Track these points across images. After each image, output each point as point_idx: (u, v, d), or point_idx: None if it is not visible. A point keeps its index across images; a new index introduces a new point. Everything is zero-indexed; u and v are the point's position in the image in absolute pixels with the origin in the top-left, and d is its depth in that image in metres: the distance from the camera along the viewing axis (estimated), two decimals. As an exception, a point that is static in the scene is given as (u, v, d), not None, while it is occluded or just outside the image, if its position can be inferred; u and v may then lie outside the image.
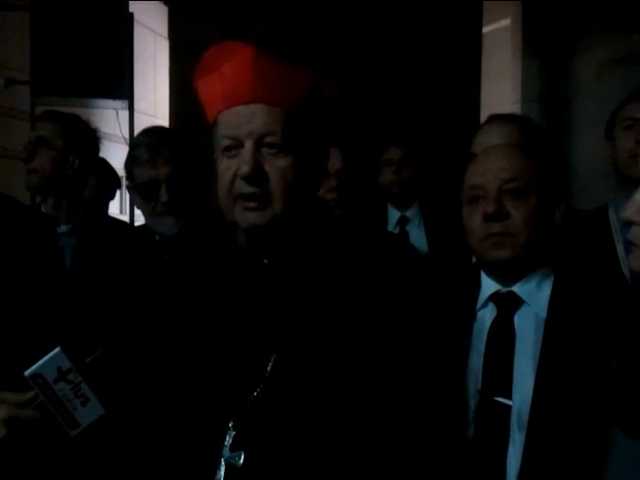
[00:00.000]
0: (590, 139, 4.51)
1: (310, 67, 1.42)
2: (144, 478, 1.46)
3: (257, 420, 1.36)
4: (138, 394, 1.49)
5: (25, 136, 2.87)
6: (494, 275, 1.69)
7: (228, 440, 1.37)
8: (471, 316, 1.70)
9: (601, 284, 1.69)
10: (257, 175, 1.36)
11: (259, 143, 1.37)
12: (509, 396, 1.58)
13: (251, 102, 1.37)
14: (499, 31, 5.57)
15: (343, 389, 1.35)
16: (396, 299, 1.43)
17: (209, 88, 1.43)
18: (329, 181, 2.66)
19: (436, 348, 1.62)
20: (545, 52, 5.28)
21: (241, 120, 1.37)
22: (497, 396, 1.59)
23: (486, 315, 1.68)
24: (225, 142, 1.40)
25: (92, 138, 2.86)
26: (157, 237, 2.47)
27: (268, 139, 1.37)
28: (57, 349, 1.35)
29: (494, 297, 1.68)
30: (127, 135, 4.29)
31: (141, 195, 2.41)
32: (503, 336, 1.63)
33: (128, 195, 3.91)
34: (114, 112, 4.34)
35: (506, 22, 5.53)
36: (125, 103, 4.27)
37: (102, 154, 3.12)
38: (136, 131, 3.50)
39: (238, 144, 1.38)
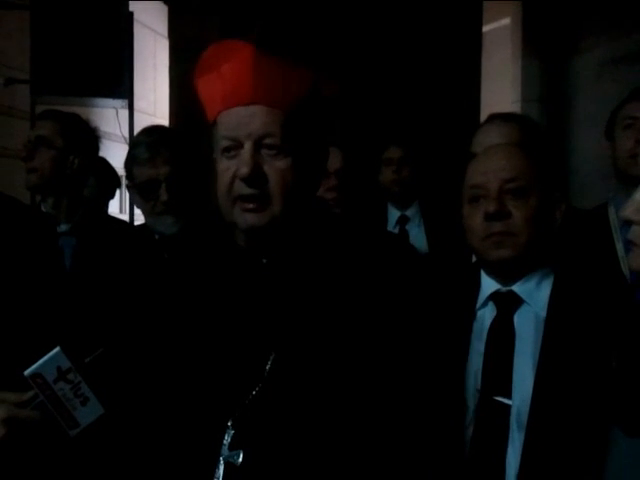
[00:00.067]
0: (590, 138, 4.51)
1: (310, 67, 1.41)
2: (143, 477, 1.46)
3: (256, 419, 1.36)
4: (137, 394, 1.49)
5: (25, 135, 2.87)
6: (494, 274, 1.69)
7: (227, 439, 1.37)
8: (471, 315, 1.70)
9: (601, 283, 1.69)
10: (256, 176, 1.36)
11: (258, 144, 1.37)
12: (509, 396, 1.58)
13: (250, 103, 1.36)
14: (499, 30, 5.57)
15: (342, 388, 1.35)
16: (395, 298, 1.43)
17: (208, 87, 1.43)
18: (329, 180, 2.66)
19: (436, 347, 1.62)
20: (545, 51, 5.28)
21: (240, 121, 1.37)
22: (497, 395, 1.59)
23: (486, 314, 1.68)
24: (224, 143, 1.40)
25: (92, 137, 2.86)
26: (157, 236, 2.47)
27: (267, 140, 1.37)
28: (57, 349, 1.35)
29: (494, 296, 1.68)
30: (127, 134, 4.29)
31: (141, 194, 2.41)
32: (503, 335, 1.63)
33: (128, 194, 3.92)
34: (114, 111, 4.34)
35: (506, 21, 5.53)
36: (125, 102, 4.27)
37: (102, 153, 3.12)
38: (136, 130, 3.50)
39: (237, 145, 1.38)
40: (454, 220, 1.82)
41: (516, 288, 1.66)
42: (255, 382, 1.38)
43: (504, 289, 1.67)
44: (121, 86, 4.19)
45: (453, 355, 1.65)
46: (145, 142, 2.40)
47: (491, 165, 1.67)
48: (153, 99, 5.93)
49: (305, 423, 1.34)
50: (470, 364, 1.65)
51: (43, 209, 2.75)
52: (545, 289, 1.65)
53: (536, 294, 1.65)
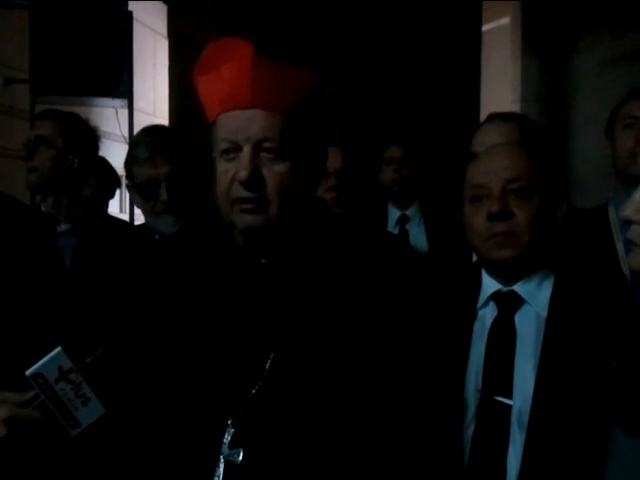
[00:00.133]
0: (590, 138, 4.51)
1: (309, 67, 1.42)
2: (144, 476, 1.46)
3: (256, 417, 1.37)
4: (138, 393, 1.49)
5: (25, 135, 2.87)
6: (495, 274, 1.69)
7: (227, 437, 1.38)
8: (472, 315, 1.69)
9: (601, 283, 1.69)
10: (255, 180, 1.37)
11: (257, 148, 1.38)
12: (509, 396, 1.58)
13: (249, 107, 1.37)
14: (498, 30, 5.56)
15: (341, 387, 1.35)
16: (393, 298, 1.44)
17: (208, 87, 1.43)
18: (328, 180, 2.65)
19: (436, 347, 1.62)
20: (544, 51, 5.27)
21: (239, 125, 1.38)
22: (498, 396, 1.59)
23: (487, 314, 1.68)
24: (223, 145, 1.41)
25: (92, 137, 2.86)
26: (157, 236, 2.47)
27: (266, 144, 1.37)
28: (58, 349, 1.35)
29: (495, 296, 1.68)
30: (127, 134, 4.29)
31: (141, 194, 2.41)
32: (504, 335, 1.63)
33: (128, 194, 3.92)
34: (114, 111, 4.34)
35: (505, 21, 5.53)
36: (125, 102, 4.27)
37: (102, 153, 3.12)
38: (136, 130, 3.50)
39: (236, 148, 1.39)
40: (454, 220, 1.82)
41: (517, 288, 1.66)
42: (255, 381, 1.39)
43: (505, 289, 1.67)
44: (121, 86, 4.19)
45: (454, 355, 1.65)
46: (145, 142, 2.40)
47: (494, 165, 1.67)
48: (153, 98, 5.93)
49: (305, 421, 1.34)
50: (471, 364, 1.64)
51: (43, 209, 2.75)
52: (546, 289, 1.65)
53: (537, 294, 1.65)
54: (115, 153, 3.85)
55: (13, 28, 4.36)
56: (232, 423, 1.38)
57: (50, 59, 4.06)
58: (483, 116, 2.69)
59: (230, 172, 1.40)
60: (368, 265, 1.45)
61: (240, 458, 1.36)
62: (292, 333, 1.40)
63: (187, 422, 1.42)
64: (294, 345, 1.39)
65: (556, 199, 1.68)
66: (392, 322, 1.42)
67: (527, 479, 1.51)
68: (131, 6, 4.37)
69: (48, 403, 1.36)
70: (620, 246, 2.43)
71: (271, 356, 1.40)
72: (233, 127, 1.38)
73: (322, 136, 1.50)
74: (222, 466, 1.37)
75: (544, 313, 1.62)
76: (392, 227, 3.81)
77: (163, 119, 5.88)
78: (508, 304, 1.66)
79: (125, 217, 4.42)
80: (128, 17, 4.25)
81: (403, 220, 3.84)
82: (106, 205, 4.04)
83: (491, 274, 1.70)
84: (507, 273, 1.66)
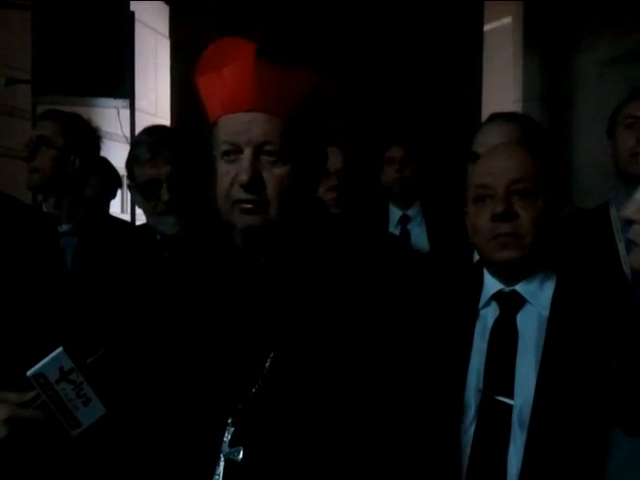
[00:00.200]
0: (591, 137, 4.51)
1: (311, 69, 1.42)
2: (145, 475, 1.46)
3: (256, 416, 1.38)
4: (139, 392, 1.49)
5: (26, 135, 2.87)
6: (498, 274, 1.68)
7: (227, 436, 1.39)
8: (473, 315, 1.69)
9: (603, 283, 1.69)
10: (255, 183, 1.38)
11: (258, 151, 1.38)
12: (511, 395, 1.57)
13: (251, 110, 1.38)
14: (500, 30, 5.57)
15: (340, 386, 1.36)
16: (393, 297, 1.45)
17: (209, 87, 1.43)
18: (329, 180, 2.65)
19: (437, 346, 1.63)
20: (546, 50, 5.28)
21: (240, 127, 1.38)
22: (499, 395, 1.59)
23: (488, 314, 1.68)
24: (224, 147, 1.42)
25: (93, 137, 2.86)
26: (158, 236, 2.48)
27: (267, 147, 1.38)
28: (59, 349, 1.35)
29: (497, 296, 1.68)
30: (128, 134, 4.29)
31: (142, 194, 2.41)
32: (505, 335, 1.63)
33: (129, 194, 3.92)
34: (115, 111, 4.34)
35: (507, 20, 5.53)
36: (126, 102, 4.27)
37: (103, 153, 3.12)
38: (137, 130, 3.50)
39: (237, 150, 1.40)
40: (456, 220, 1.82)
41: (519, 288, 1.65)
42: (255, 380, 1.40)
43: (507, 289, 1.67)
44: (122, 86, 4.19)
45: (455, 354, 1.65)
46: (146, 142, 2.40)
47: (498, 165, 1.66)
48: (154, 99, 5.92)
49: (304, 420, 1.35)
50: (472, 364, 1.64)
51: (44, 209, 2.75)
52: (548, 289, 1.65)
53: (539, 294, 1.64)
54: (116, 153, 3.85)
55: (15, 28, 4.36)
56: (232, 422, 1.39)
57: (52, 59, 4.07)
58: (484, 116, 2.69)
59: (231, 174, 1.41)
60: (367, 265, 1.46)
61: (240, 456, 1.36)
62: (292, 332, 1.40)
63: (187, 421, 1.43)
64: (294, 344, 1.40)
65: (559, 200, 1.68)
66: (391, 321, 1.42)
67: (528, 479, 1.51)
68: (133, 6, 4.38)
69: (49, 403, 1.36)
70: (621, 246, 2.43)
71: (271, 355, 1.40)
72: (234, 129, 1.39)
73: (322, 138, 1.50)
74: (222, 464, 1.38)
75: (546, 313, 1.62)
76: (393, 227, 3.81)
77: (165, 119, 5.87)
78: (510, 304, 1.66)
79: (126, 217, 4.41)
80: (130, 17, 4.25)
81: (404, 220, 3.85)
82: (107, 205, 4.04)
83: (493, 274, 1.69)
84: (510, 273, 1.66)
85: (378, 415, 1.37)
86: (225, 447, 1.38)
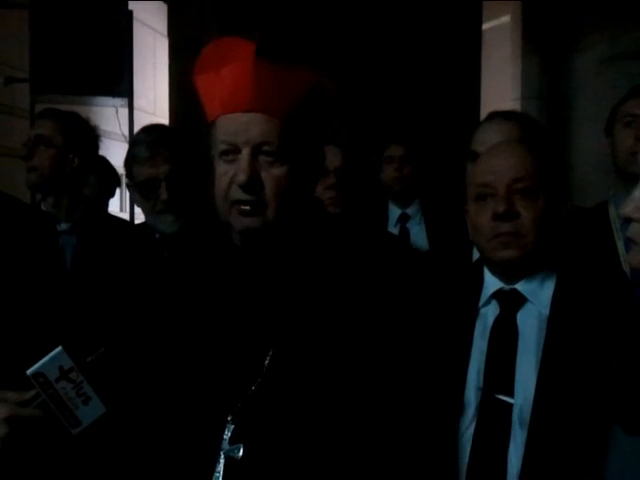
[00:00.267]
0: (590, 136, 4.51)
1: (309, 69, 1.42)
2: (145, 473, 1.46)
3: (255, 413, 1.38)
4: (138, 391, 1.50)
5: (25, 134, 2.87)
6: (499, 273, 1.68)
7: (227, 433, 1.39)
8: (474, 313, 1.69)
9: (603, 282, 1.69)
10: (253, 184, 1.38)
11: (256, 151, 1.39)
12: (511, 394, 1.57)
13: (249, 110, 1.38)
14: (499, 28, 5.57)
15: (340, 384, 1.36)
16: (392, 296, 1.45)
17: (208, 86, 1.43)
18: (328, 179, 2.65)
19: (437, 345, 1.63)
20: (545, 49, 5.28)
21: (239, 128, 1.38)
22: (499, 394, 1.59)
23: (489, 313, 1.68)
24: (222, 147, 1.42)
25: (91, 136, 2.86)
26: (157, 235, 2.48)
27: (265, 148, 1.39)
28: (59, 348, 1.35)
29: (497, 295, 1.68)
30: (127, 133, 4.29)
31: (141, 193, 2.41)
32: (506, 334, 1.63)
33: (128, 193, 3.92)
34: (114, 110, 4.35)
35: (506, 19, 5.53)
36: (125, 101, 4.27)
37: (102, 152, 3.12)
38: (136, 129, 3.50)
39: (235, 150, 1.40)
40: (455, 218, 1.82)
41: (519, 287, 1.65)
42: (254, 377, 1.40)
43: (507, 287, 1.67)
44: (121, 85, 4.20)
45: (455, 353, 1.65)
46: (145, 141, 2.40)
47: (500, 163, 1.66)
48: (153, 97, 5.92)
49: (304, 417, 1.35)
50: (472, 362, 1.64)
51: (43, 208, 2.75)
52: (548, 288, 1.65)
53: (539, 293, 1.64)
54: (115, 152, 3.85)
55: (13, 27, 4.35)
56: (232, 419, 1.39)
57: (50, 58, 4.07)
58: (483, 114, 2.69)
59: (229, 174, 1.41)
60: (366, 264, 1.46)
61: (240, 454, 1.37)
62: (291, 331, 1.41)
63: (187, 419, 1.43)
64: (293, 342, 1.40)
65: (560, 199, 1.68)
66: (391, 319, 1.43)
67: (528, 477, 1.51)
68: (131, 5, 4.38)
69: (49, 402, 1.36)
70: (620, 244, 2.43)
71: (270, 353, 1.41)
72: (232, 129, 1.39)
73: (320, 138, 1.51)
74: (222, 462, 1.38)
75: (546, 312, 1.62)
76: (393, 226, 3.81)
77: (163, 118, 5.88)
78: (510, 302, 1.66)
79: (125, 216, 4.42)
80: (128, 16, 4.26)
81: (404, 219, 3.85)
82: (106, 204, 4.05)
83: (494, 273, 1.69)
84: (510, 272, 1.66)
85: (378, 413, 1.37)
86: (225, 445, 1.38)
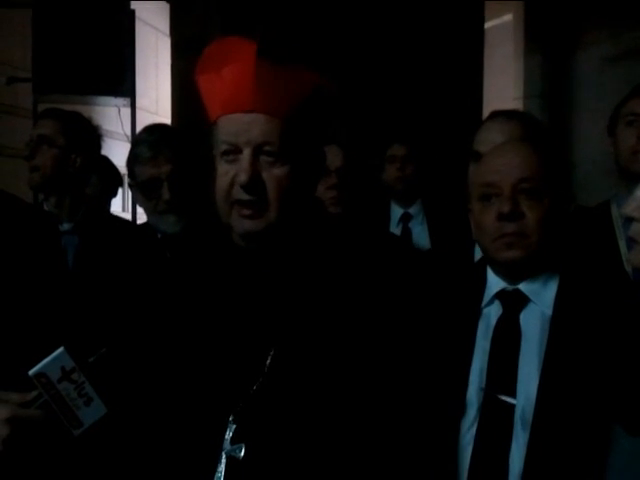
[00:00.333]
0: (592, 135, 4.51)
1: (311, 69, 1.42)
2: (147, 473, 1.47)
3: (257, 413, 1.38)
4: (140, 391, 1.50)
5: (27, 134, 2.87)
6: (502, 273, 1.67)
7: (229, 433, 1.39)
8: (476, 313, 1.68)
9: (606, 282, 1.68)
10: (254, 184, 1.39)
11: (257, 151, 1.39)
12: (513, 395, 1.57)
13: (250, 111, 1.38)
14: (501, 27, 5.57)
15: (341, 384, 1.36)
16: (393, 295, 1.46)
17: (209, 86, 1.44)
18: (329, 179, 2.65)
19: (440, 344, 1.63)
20: (547, 48, 5.28)
21: (240, 128, 1.39)
22: (501, 394, 1.58)
23: (491, 313, 1.67)
24: (224, 147, 1.42)
25: (94, 136, 2.86)
26: (159, 235, 2.48)
27: (266, 148, 1.39)
28: (61, 349, 1.35)
29: (500, 295, 1.67)
30: (129, 133, 4.30)
31: (143, 193, 2.42)
32: (509, 334, 1.62)
33: (130, 193, 3.92)
34: (116, 109, 4.35)
35: (508, 18, 5.53)
36: (127, 100, 4.28)
37: (104, 152, 3.11)
38: (138, 128, 3.50)
39: (236, 150, 1.40)
40: (457, 218, 1.81)
41: (522, 287, 1.65)
42: (256, 377, 1.40)
43: (510, 287, 1.66)
44: (123, 84, 4.20)
45: (458, 353, 1.65)
46: (147, 141, 2.40)
47: (505, 163, 1.65)
48: (155, 97, 5.93)
49: (305, 417, 1.36)
50: (475, 362, 1.64)
51: (45, 208, 2.75)
52: (551, 288, 1.64)
53: (542, 293, 1.64)
54: (117, 152, 3.85)
55: (16, 27, 4.37)
56: (233, 419, 1.40)
57: (53, 58, 4.07)
58: (486, 114, 2.69)
59: (230, 174, 1.41)
60: (367, 263, 1.47)
61: (242, 454, 1.37)
62: (292, 330, 1.41)
63: (189, 419, 1.43)
64: (294, 342, 1.41)
65: (564, 199, 1.67)
66: (392, 319, 1.43)
67: (530, 478, 1.51)
68: (133, 5, 4.39)
69: (51, 403, 1.36)
70: (623, 244, 2.43)
71: (271, 353, 1.41)
72: (233, 130, 1.39)
73: (321, 138, 1.51)
74: (224, 462, 1.38)
75: (549, 312, 1.62)
76: (395, 225, 3.81)
77: (165, 118, 5.87)
78: (513, 303, 1.65)
79: (127, 216, 4.42)
80: (130, 16, 4.26)
81: (406, 218, 3.85)
82: (108, 204, 4.05)
83: (497, 273, 1.69)
84: (514, 272, 1.65)
85: (380, 413, 1.37)
86: (227, 444, 1.39)
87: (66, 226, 2.70)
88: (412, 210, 3.85)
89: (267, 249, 1.46)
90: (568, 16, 5.11)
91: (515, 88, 5.37)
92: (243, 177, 1.37)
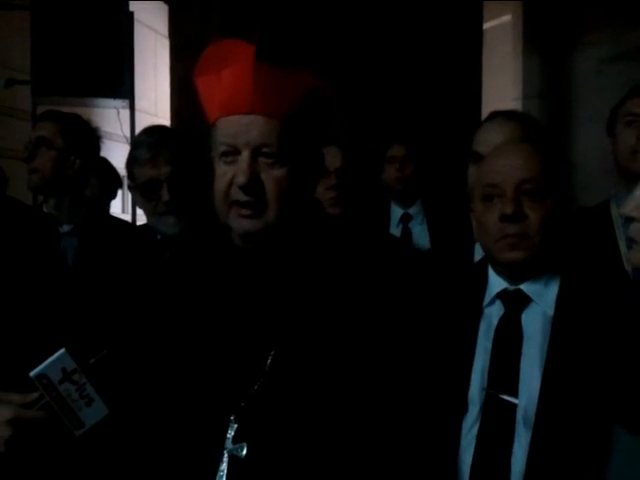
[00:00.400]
0: (591, 135, 4.51)
1: (309, 70, 1.43)
2: (149, 473, 1.47)
3: (258, 413, 1.39)
4: (141, 391, 1.50)
5: (26, 136, 2.87)
6: (504, 274, 1.67)
7: (230, 433, 1.40)
8: (478, 313, 1.68)
9: (606, 282, 1.68)
10: (253, 185, 1.39)
11: (256, 152, 1.39)
12: (515, 394, 1.57)
13: (249, 113, 1.38)
14: (500, 27, 5.57)
15: (342, 383, 1.37)
16: (394, 296, 1.46)
17: (208, 88, 1.44)
18: (328, 179, 2.65)
19: (441, 344, 1.63)
20: (546, 48, 5.28)
21: (238, 130, 1.39)
22: (503, 394, 1.58)
23: (493, 313, 1.67)
24: (222, 148, 1.43)
25: (93, 137, 2.86)
26: (159, 236, 2.48)
27: (265, 149, 1.39)
28: (62, 350, 1.35)
29: (502, 295, 1.67)
30: (128, 134, 4.30)
31: (142, 195, 2.42)
32: (510, 334, 1.63)
33: (130, 194, 3.92)
34: (115, 111, 4.35)
35: (507, 18, 5.54)
36: (126, 102, 4.28)
37: (103, 153, 3.12)
38: (137, 130, 3.50)
39: (235, 151, 1.40)
40: (457, 218, 1.81)
41: (524, 287, 1.65)
42: (257, 377, 1.41)
43: (512, 287, 1.66)
44: (122, 86, 4.20)
45: (460, 353, 1.65)
46: (146, 142, 2.40)
47: (507, 164, 1.65)
48: (154, 99, 5.93)
49: (307, 416, 1.36)
50: (477, 362, 1.64)
51: (45, 210, 2.75)
52: (553, 288, 1.64)
53: (544, 293, 1.64)
54: (117, 153, 3.85)
55: (14, 29, 4.37)
56: (235, 418, 1.40)
57: (51, 60, 4.07)
58: (485, 114, 2.69)
59: (228, 175, 1.42)
60: (367, 264, 1.47)
61: (244, 453, 1.38)
62: (293, 330, 1.42)
63: (190, 418, 1.43)
64: (295, 342, 1.41)
65: (565, 200, 1.67)
66: (393, 319, 1.43)
67: (532, 478, 1.51)
68: (132, 6, 4.38)
69: (52, 404, 1.36)
70: (622, 244, 2.43)
71: (272, 353, 1.42)
72: (232, 131, 1.40)
73: (320, 140, 1.51)
74: (226, 461, 1.39)
75: (551, 312, 1.62)
76: (395, 226, 3.82)
77: (165, 119, 5.88)
78: (515, 302, 1.65)
79: (127, 218, 4.42)
80: (129, 17, 4.26)
81: (406, 219, 3.85)
82: (108, 206, 4.05)
83: (499, 273, 1.69)
84: (516, 273, 1.65)
85: (381, 412, 1.38)
86: (229, 444, 1.39)
87: (65, 228, 2.69)
88: (412, 210, 3.85)
89: (266, 249, 1.47)
90: (567, 16, 5.11)
91: (514, 88, 5.36)
92: (242, 178, 1.38)
